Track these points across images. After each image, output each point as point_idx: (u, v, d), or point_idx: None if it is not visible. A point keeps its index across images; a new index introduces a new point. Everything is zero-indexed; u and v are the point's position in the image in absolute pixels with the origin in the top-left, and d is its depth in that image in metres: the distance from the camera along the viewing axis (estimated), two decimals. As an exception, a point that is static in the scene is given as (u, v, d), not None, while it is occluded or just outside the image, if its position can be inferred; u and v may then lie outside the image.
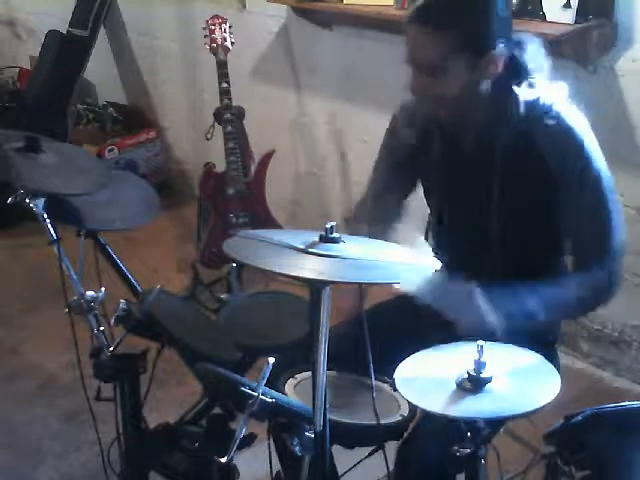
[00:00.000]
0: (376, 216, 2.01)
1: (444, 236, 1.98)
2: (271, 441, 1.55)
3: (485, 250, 1.88)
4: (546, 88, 1.77)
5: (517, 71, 1.76)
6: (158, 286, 1.75)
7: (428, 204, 2.03)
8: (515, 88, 1.75)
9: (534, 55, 1.78)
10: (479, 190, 1.84)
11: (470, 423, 1.40)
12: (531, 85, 1.76)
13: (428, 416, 1.55)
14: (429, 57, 1.70)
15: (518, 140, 1.76)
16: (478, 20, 1.69)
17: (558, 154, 1.74)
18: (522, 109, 1.74)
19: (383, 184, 2.03)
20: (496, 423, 1.72)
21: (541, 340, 1.82)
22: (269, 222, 3.55)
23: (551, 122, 1.73)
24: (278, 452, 1.66)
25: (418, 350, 1.49)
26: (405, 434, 1.69)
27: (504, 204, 1.81)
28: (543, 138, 1.74)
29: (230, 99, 3.41)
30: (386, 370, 1.54)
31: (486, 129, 1.79)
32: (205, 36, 3.43)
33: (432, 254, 1.40)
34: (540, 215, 1.83)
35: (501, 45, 1.69)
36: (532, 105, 1.75)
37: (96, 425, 1.83)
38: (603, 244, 1.74)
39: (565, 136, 1.74)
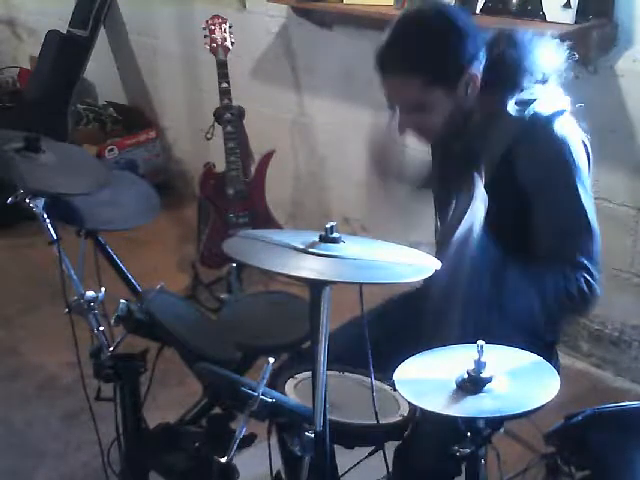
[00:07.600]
0: None
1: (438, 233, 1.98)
2: (271, 441, 1.55)
3: None
4: (544, 101, 1.72)
5: (507, 74, 1.72)
6: (158, 286, 1.76)
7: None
8: (509, 103, 1.71)
9: (526, 52, 1.73)
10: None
11: (470, 423, 1.40)
12: (528, 101, 1.71)
13: (426, 418, 1.55)
14: (408, 98, 1.71)
15: (503, 155, 1.72)
16: (440, 52, 1.67)
17: (525, 170, 1.71)
18: (514, 129, 1.70)
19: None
20: (496, 423, 1.72)
21: (540, 341, 1.81)
22: (269, 222, 3.55)
23: (535, 139, 1.70)
24: (281, 452, 1.66)
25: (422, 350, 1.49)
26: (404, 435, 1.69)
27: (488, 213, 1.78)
28: (521, 155, 1.71)
29: (230, 99, 3.41)
30: (390, 369, 1.53)
31: (475, 139, 1.76)
32: (205, 36, 3.43)
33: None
34: (518, 223, 1.77)
35: (476, 61, 1.68)
36: (525, 124, 1.70)
37: (96, 425, 1.82)
38: (561, 255, 1.69)
39: (537, 153, 1.70)
